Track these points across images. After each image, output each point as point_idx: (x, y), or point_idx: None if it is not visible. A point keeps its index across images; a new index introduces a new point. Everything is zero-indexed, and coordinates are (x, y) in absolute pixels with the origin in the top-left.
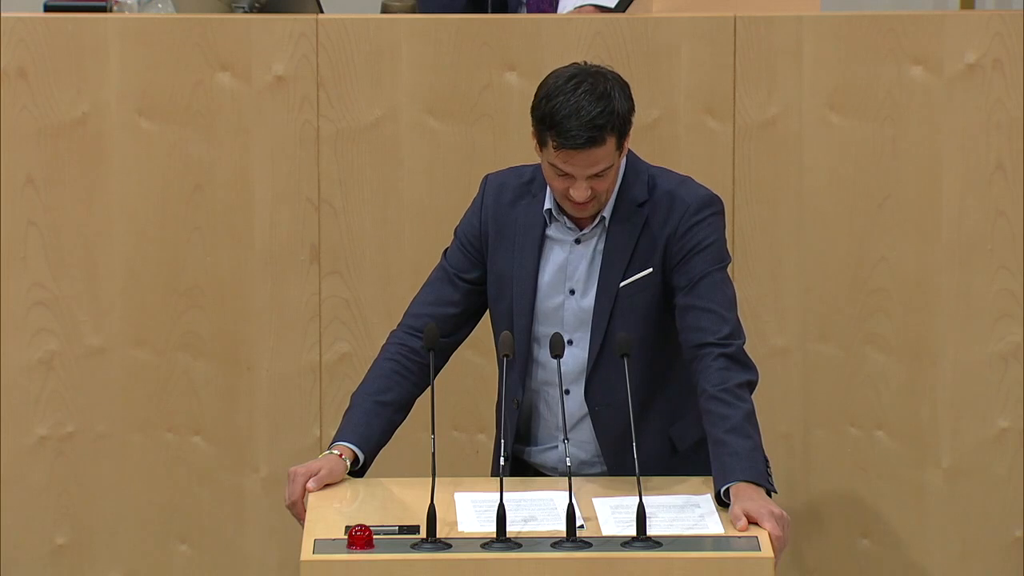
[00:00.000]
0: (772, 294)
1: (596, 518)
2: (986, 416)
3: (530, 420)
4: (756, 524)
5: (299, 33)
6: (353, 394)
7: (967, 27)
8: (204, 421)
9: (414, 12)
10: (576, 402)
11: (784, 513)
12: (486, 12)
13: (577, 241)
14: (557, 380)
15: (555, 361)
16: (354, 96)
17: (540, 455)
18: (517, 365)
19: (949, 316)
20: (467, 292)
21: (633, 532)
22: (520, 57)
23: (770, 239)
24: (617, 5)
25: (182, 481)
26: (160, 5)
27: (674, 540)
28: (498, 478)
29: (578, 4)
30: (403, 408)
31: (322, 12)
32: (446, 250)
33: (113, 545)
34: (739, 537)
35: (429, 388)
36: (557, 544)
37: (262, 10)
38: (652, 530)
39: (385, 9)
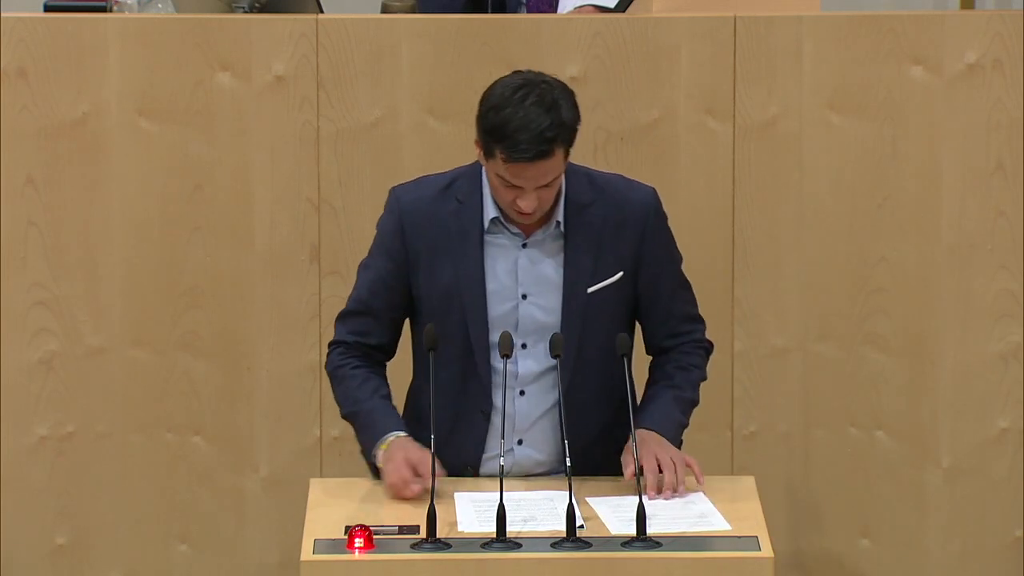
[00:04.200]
0: (772, 294)
1: (596, 518)
2: (986, 416)
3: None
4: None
5: (299, 33)
6: (351, 402)
7: (967, 27)
8: (204, 421)
9: (414, 12)
10: (532, 403)
11: (673, 457)
12: (486, 12)
13: (525, 245)
14: (513, 383)
15: (511, 366)
16: (354, 96)
17: (493, 461)
18: (481, 377)
19: (949, 316)
20: (398, 302)
21: (633, 532)
22: (520, 57)
23: (770, 239)
24: (617, 5)
25: (182, 481)
26: (160, 5)
27: (674, 540)
28: (497, 478)
29: (578, 4)
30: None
31: (322, 12)
32: (362, 264)
33: (113, 545)
34: (739, 537)
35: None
36: (557, 544)
37: (262, 10)
38: (652, 530)
39: (385, 9)
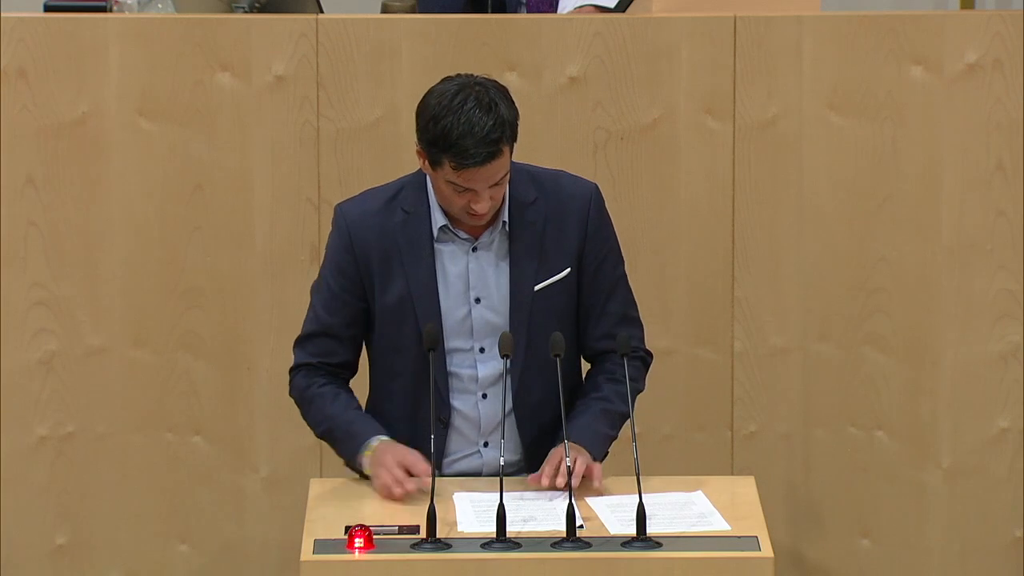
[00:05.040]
0: (772, 294)
1: (596, 518)
2: (986, 416)
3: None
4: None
5: (299, 33)
6: (324, 419)
7: (967, 27)
8: (204, 421)
9: (414, 12)
10: (494, 405)
11: (577, 458)
12: (486, 12)
13: (474, 249)
14: (474, 387)
15: (468, 371)
16: (354, 96)
17: (456, 464)
18: (437, 385)
19: (949, 316)
20: (356, 318)
21: (633, 532)
22: (520, 57)
23: (770, 239)
24: (617, 5)
25: (182, 481)
26: (160, 5)
27: (674, 540)
28: (497, 478)
29: (578, 4)
30: None
31: (322, 12)
32: (314, 286)
33: (113, 545)
34: (739, 537)
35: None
36: (557, 544)
37: (262, 10)
38: (652, 530)
39: (385, 9)
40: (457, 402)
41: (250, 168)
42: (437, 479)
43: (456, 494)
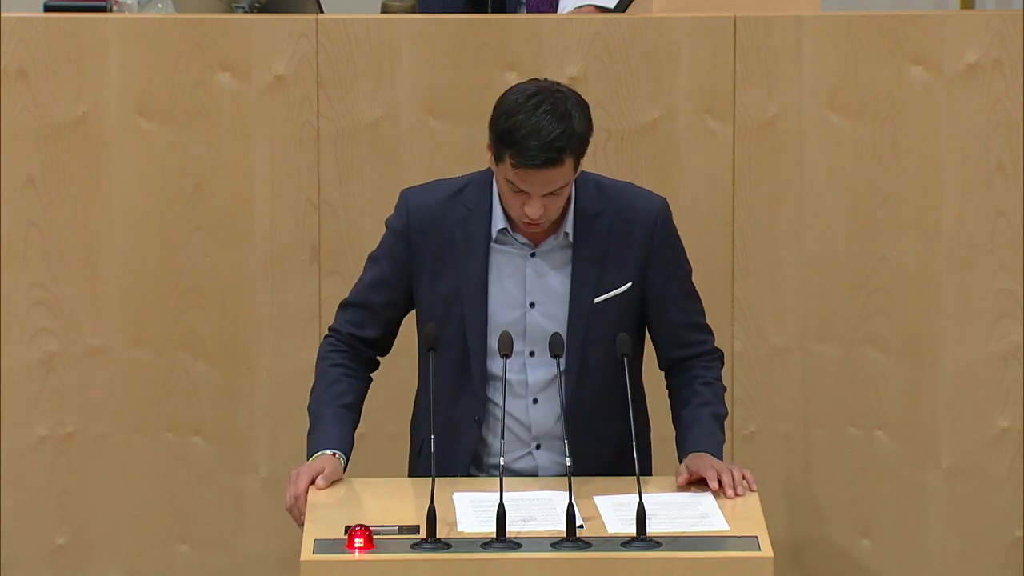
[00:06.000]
0: (772, 294)
1: (596, 517)
2: (986, 416)
3: (489, 434)
4: (702, 481)
5: (299, 33)
6: (314, 400)
7: (967, 27)
8: (204, 421)
9: (414, 12)
10: (544, 410)
11: (730, 467)
12: (486, 12)
13: (533, 255)
14: (524, 392)
15: (517, 376)
16: (354, 96)
17: (511, 466)
18: (475, 384)
19: (949, 316)
20: (397, 301)
21: (633, 532)
22: (520, 57)
23: (770, 239)
24: (617, 5)
25: (182, 481)
26: (160, 5)
27: (674, 540)
28: (497, 478)
29: (578, 4)
30: (360, 408)
31: (322, 12)
32: (370, 256)
33: (113, 545)
34: (739, 537)
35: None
36: (557, 544)
37: (262, 10)
38: (653, 529)
39: (385, 9)
40: (507, 406)
41: (250, 168)
42: (438, 479)
43: (456, 494)
